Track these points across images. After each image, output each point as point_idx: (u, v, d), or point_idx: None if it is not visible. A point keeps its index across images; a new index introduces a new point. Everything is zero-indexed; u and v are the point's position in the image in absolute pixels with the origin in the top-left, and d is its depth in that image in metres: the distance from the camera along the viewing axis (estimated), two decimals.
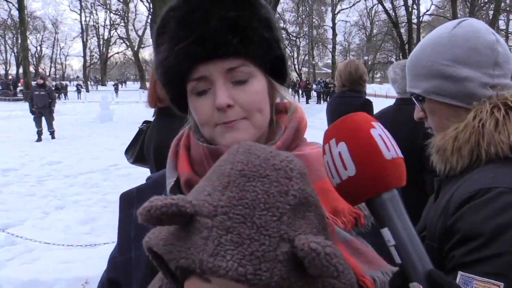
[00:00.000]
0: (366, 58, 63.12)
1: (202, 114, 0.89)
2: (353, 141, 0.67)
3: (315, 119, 12.20)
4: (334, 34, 62.96)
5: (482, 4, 46.35)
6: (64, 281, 4.37)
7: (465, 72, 1.25)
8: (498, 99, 1.23)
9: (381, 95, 35.32)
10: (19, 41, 51.88)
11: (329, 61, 67.94)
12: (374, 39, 63.60)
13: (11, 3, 52.67)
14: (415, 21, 52.10)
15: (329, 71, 64.46)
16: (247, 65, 0.87)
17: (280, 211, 0.59)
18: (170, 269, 0.69)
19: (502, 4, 44.04)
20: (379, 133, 0.68)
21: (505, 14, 46.66)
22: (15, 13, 52.65)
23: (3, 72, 70.16)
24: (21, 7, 42.40)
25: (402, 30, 52.28)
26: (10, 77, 58.61)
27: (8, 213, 6.85)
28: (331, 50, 64.05)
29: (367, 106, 4.05)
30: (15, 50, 63.51)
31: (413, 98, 1.40)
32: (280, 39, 0.93)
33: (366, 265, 0.79)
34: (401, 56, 49.72)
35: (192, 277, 0.63)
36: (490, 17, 41.51)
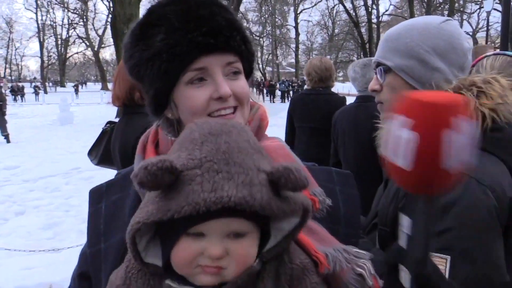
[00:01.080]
0: (328, 57, 64.20)
1: (198, 103, 0.94)
2: (427, 134, 0.65)
3: (278, 118, 12.31)
4: (297, 34, 63.65)
5: (437, 5, 48.08)
6: None
7: (438, 64, 1.34)
8: (452, 89, 1.32)
9: (344, 93, 36.00)
10: None
11: (293, 60, 68.64)
12: (336, 38, 64.71)
13: None
14: (374, 20, 53.52)
15: (293, 70, 65.10)
16: (239, 61, 0.97)
17: (250, 152, 0.75)
18: (140, 255, 0.76)
19: (456, 5, 45.90)
20: (452, 136, 0.64)
21: (459, 14, 48.51)
22: None
23: None
24: None
25: (363, 30, 53.47)
26: None
27: None
28: (294, 49, 64.73)
29: (344, 104, 4.07)
30: None
31: (378, 69, 1.46)
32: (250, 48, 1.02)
33: (319, 242, 0.85)
34: (362, 55, 50.82)
35: (183, 239, 0.73)
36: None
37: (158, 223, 0.73)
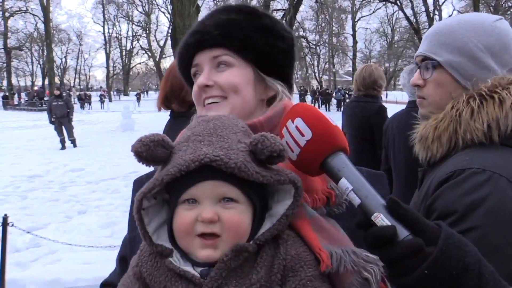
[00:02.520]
0: (387, 65, 62.62)
1: (194, 95, 1.12)
2: (306, 113, 0.85)
3: None
4: (355, 42, 62.65)
5: (506, 8, 45.52)
6: (84, 281, 4.48)
7: (490, 63, 1.31)
8: (473, 90, 1.29)
9: (403, 102, 34.89)
10: (45, 53, 53.42)
11: (350, 68, 67.60)
12: (396, 45, 63.00)
13: (37, 16, 54.33)
14: None
15: (350, 78, 64.06)
16: (229, 55, 1.07)
17: (234, 130, 0.86)
18: (148, 234, 0.84)
19: None
20: (320, 111, 0.86)
21: None
22: (41, 26, 54.28)
23: (29, 83, 72.19)
24: (46, 21, 43.72)
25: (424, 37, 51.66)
26: (36, 88, 60.16)
27: (33, 217, 7.06)
28: (351, 57, 63.76)
29: (382, 112, 4.05)
30: (41, 62, 65.32)
31: (423, 64, 1.41)
32: (275, 45, 1.10)
33: (327, 241, 0.85)
34: None
35: (180, 208, 0.81)
36: None
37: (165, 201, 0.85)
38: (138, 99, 49.82)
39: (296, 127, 0.85)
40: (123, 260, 1.18)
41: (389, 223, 0.75)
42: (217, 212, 0.78)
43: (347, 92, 38.68)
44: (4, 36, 56.25)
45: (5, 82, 66.07)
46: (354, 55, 62.76)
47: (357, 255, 0.82)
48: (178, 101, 2.46)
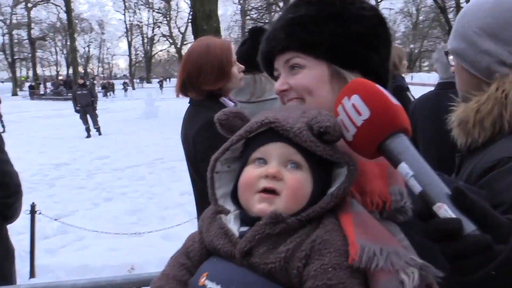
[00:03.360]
0: (412, 46, 61.07)
1: (276, 92, 1.11)
2: (363, 90, 0.77)
3: None
4: None
5: None
6: (111, 267, 4.52)
7: (487, 45, 1.21)
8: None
9: (430, 83, 34.16)
10: (68, 43, 54.20)
11: None
12: (421, 26, 61.40)
13: (59, 6, 55.04)
14: (464, 4, 49.94)
15: None
16: (299, 56, 1.04)
17: (301, 108, 0.92)
18: (215, 193, 0.92)
19: None
20: (381, 87, 0.78)
21: None
22: (63, 16, 55.01)
23: (54, 73, 73.57)
24: (68, 10, 44.29)
25: (450, 15, 50.13)
26: (60, 77, 61.31)
27: (60, 205, 7.18)
28: None
29: (399, 93, 3.85)
30: (65, 52, 66.38)
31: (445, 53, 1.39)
32: (347, 32, 1.02)
33: (365, 235, 0.76)
34: None
35: (248, 166, 0.86)
36: None
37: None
38: (161, 86, 50.20)
39: (353, 105, 0.77)
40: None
41: (453, 215, 0.66)
42: (281, 172, 0.82)
43: None
44: (28, 26, 57.30)
45: (30, 73, 67.58)
46: None
47: (399, 256, 0.73)
48: (194, 89, 2.37)
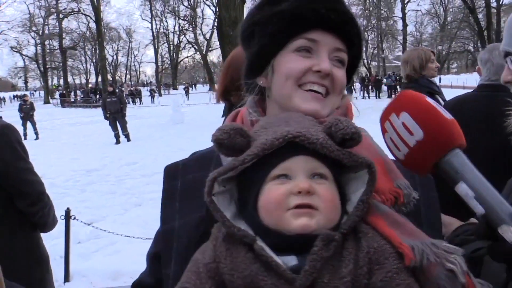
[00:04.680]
0: (440, 47, 59.91)
1: (297, 67, 0.95)
2: (414, 108, 0.72)
3: None
4: (405, 25, 60.52)
5: None
6: None
7: None
8: None
9: (458, 86, 33.39)
10: (97, 52, 55.54)
11: (400, 53, 65.37)
12: (449, 27, 60.15)
13: (89, 16, 56.49)
14: (494, 4, 48.61)
15: (400, 63, 61.98)
16: (346, 53, 0.98)
17: (308, 118, 0.88)
18: (224, 215, 0.80)
19: None
20: (432, 101, 0.73)
21: None
22: (92, 25, 56.40)
23: (84, 81, 75.41)
24: (98, 20, 45.39)
25: (480, 16, 48.92)
26: (90, 85, 62.77)
27: (92, 210, 7.33)
28: (401, 42, 61.67)
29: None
30: (94, 60, 67.99)
31: (508, 58, 1.29)
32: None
33: (404, 235, 0.80)
34: (479, 44, 46.56)
35: (269, 185, 0.79)
36: None
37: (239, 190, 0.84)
38: (187, 92, 50.77)
39: (403, 123, 0.74)
40: (155, 257, 1.06)
41: None
42: (312, 185, 0.77)
43: (397, 77, 37.44)
44: (59, 37, 58.98)
45: (61, 81, 69.45)
46: (404, 39, 60.68)
47: (437, 246, 0.78)
48: (238, 94, 2.39)
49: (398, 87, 33.43)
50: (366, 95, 38.05)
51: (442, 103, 3.86)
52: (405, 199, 0.88)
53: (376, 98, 35.15)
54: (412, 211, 0.89)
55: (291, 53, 0.96)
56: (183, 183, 1.05)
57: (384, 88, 38.12)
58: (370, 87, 39.15)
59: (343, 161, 0.79)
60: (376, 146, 0.97)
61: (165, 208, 1.05)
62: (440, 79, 39.40)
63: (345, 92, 1.04)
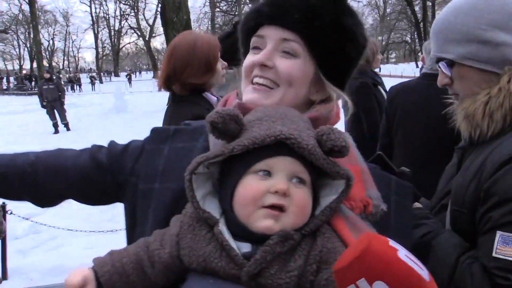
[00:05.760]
0: (380, 38, 62.02)
1: (246, 66, 1.03)
2: (392, 275, 0.62)
3: None
4: None
5: None
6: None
7: (502, 37, 1.23)
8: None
9: (397, 75, 34.76)
10: (32, 36, 52.39)
11: None
12: (388, 18, 62.47)
13: None
14: None
15: None
16: (299, 44, 0.98)
17: (303, 119, 0.90)
18: (195, 196, 0.84)
19: None
20: (404, 253, 0.64)
21: None
22: (26, 7, 53.06)
23: (17, 67, 71.08)
24: (31, 2, 42.67)
25: (417, 8, 51.17)
26: (24, 71, 59.33)
27: (30, 203, 6.96)
28: None
29: (363, 90, 3.82)
30: (28, 45, 64.15)
31: (440, 64, 1.36)
32: (349, 50, 1.01)
33: None
34: (416, 35, 48.71)
35: (250, 177, 0.82)
36: None
37: (221, 171, 0.86)
38: (129, 79, 49.25)
39: None
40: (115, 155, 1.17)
41: None
42: (289, 188, 0.80)
43: None
44: None
45: None
46: None
47: None
48: (179, 83, 2.35)
49: None
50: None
51: (384, 94, 3.99)
52: (373, 210, 0.92)
53: None
54: (382, 218, 0.94)
55: (250, 52, 1.04)
56: (171, 149, 1.07)
57: None
58: None
59: (325, 170, 0.83)
60: (357, 154, 1.01)
61: (147, 168, 1.06)
62: (380, 69, 40.85)
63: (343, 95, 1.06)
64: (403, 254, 0.64)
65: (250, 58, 1.01)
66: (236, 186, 0.82)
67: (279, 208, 0.79)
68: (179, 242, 0.83)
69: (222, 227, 0.81)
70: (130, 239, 1.06)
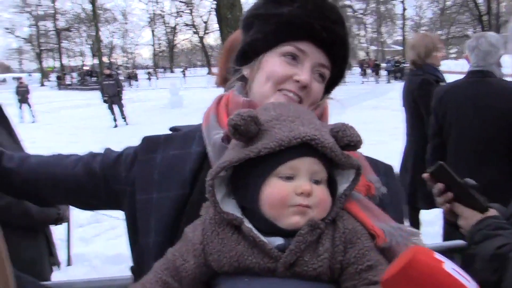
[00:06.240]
0: (440, 32, 59.48)
1: (279, 72, 1.01)
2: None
3: (385, 99, 11.69)
4: (404, 9, 60.03)
5: None
6: None
7: None
8: None
9: (457, 71, 33.23)
10: (93, 33, 54.87)
11: (399, 38, 64.94)
12: (448, 11, 59.67)
13: None
14: None
15: (399, 48, 61.45)
16: (329, 70, 1.05)
17: (314, 116, 0.94)
18: (217, 201, 0.86)
19: None
20: (451, 266, 0.64)
21: None
22: (87, 6, 55.64)
23: (80, 63, 74.73)
24: (92, 0, 44.64)
25: (480, 1, 48.55)
26: (86, 68, 62.26)
27: None
28: (400, 26, 61.22)
29: (423, 87, 3.77)
30: (89, 42, 67.24)
31: None
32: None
33: (375, 218, 0.92)
34: (480, 29, 46.23)
35: (274, 181, 0.84)
36: None
37: (235, 172, 0.87)
38: (184, 75, 50.39)
39: None
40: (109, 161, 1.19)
41: None
42: (312, 188, 0.84)
43: (396, 63, 37.13)
44: (53, 17, 58.17)
45: (56, 63, 68.85)
46: (404, 24, 60.19)
47: (402, 230, 0.92)
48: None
49: (399, 73, 33.12)
50: (364, 79, 37.84)
51: None
52: (376, 192, 1.02)
53: (376, 83, 34.96)
54: (380, 198, 1.03)
55: (278, 56, 1.02)
56: (163, 158, 1.09)
57: (383, 73, 37.89)
58: (369, 72, 38.88)
59: (340, 163, 0.88)
60: None
61: (141, 179, 1.08)
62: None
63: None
64: (449, 266, 0.65)
65: (285, 69, 1.01)
66: (261, 187, 0.85)
67: (306, 207, 0.85)
68: (205, 249, 0.86)
69: (249, 225, 0.85)
70: (134, 250, 1.10)
